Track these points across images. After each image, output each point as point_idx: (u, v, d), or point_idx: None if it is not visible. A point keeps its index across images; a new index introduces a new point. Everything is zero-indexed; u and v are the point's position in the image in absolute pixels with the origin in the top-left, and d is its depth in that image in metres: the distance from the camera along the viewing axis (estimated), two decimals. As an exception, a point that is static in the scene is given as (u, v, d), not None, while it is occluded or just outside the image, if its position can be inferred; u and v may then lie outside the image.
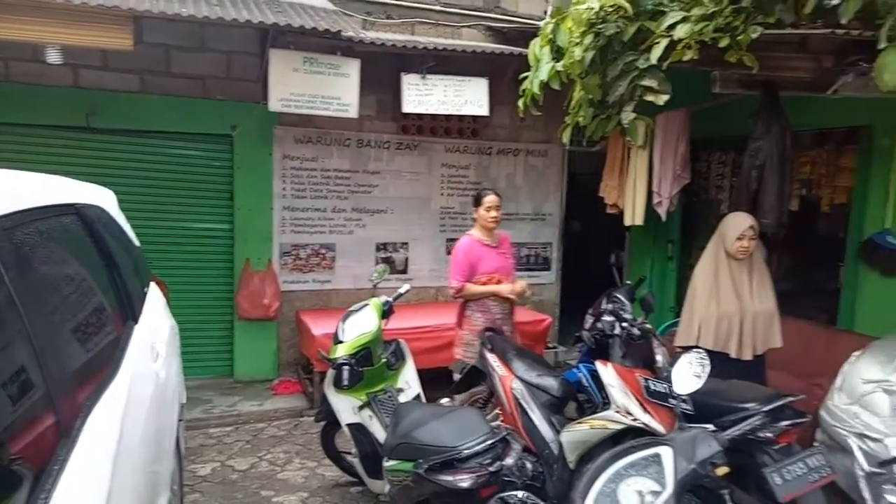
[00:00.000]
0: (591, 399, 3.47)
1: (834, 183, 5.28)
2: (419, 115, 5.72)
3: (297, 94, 4.89)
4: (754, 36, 2.71)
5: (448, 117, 5.87)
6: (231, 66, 5.32)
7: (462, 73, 5.38)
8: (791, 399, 2.92)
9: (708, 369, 2.54)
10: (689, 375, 2.54)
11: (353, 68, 4.97)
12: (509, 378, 3.60)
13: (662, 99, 3.17)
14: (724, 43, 2.93)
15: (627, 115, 3.32)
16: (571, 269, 6.93)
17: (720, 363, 3.54)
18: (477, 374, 4.01)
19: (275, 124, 5.43)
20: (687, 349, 3.53)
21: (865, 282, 4.73)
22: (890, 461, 2.41)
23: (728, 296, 3.67)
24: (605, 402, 3.11)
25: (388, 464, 2.89)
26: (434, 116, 5.79)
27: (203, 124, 5.26)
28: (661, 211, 5.38)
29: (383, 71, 5.43)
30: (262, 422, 4.91)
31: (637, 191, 5.47)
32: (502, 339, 3.98)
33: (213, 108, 5.24)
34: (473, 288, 4.09)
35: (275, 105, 4.86)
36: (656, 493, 1.85)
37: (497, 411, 3.77)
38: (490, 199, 4.12)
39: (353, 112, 5.05)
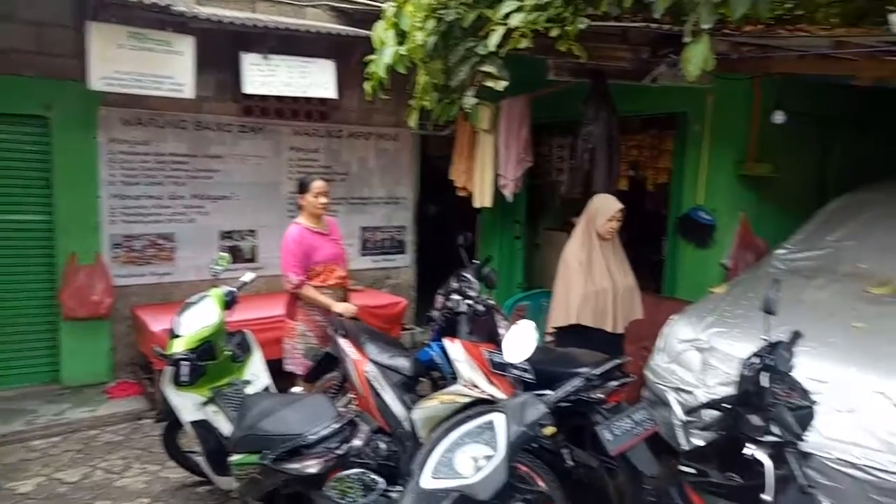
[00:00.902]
0: (445, 376, 3.57)
1: (657, 164, 5.81)
2: (263, 97, 5.49)
3: (123, 73, 4.48)
4: (581, 27, 2.88)
5: (295, 99, 5.69)
6: (43, 40, 4.76)
7: (307, 55, 5.23)
8: (619, 362, 3.18)
9: (536, 338, 2.70)
10: (519, 345, 2.68)
11: (186, 46, 4.65)
12: (362, 362, 3.60)
13: (501, 85, 3.28)
14: (555, 33, 3.09)
15: (469, 100, 3.41)
16: (428, 252, 7.05)
17: (597, 338, 3.81)
18: (331, 361, 3.97)
19: (98, 105, 4.95)
20: (562, 329, 3.75)
21: (683, 253, 5.26)
22: (697, 407, 2.71)
23: (602, 273, 3.88)
24: (455, 378, 3.21)
25: (234, 458, 2.78)
26: (280, 98, 5.59)
27: (10, 103, 4.68)
28: (507, 193, 5.62)
29: (222, 50, 5.13)
30: (95, 428, 4.50)
31: (484, 173, 5.67)
32: (355, 324, 3.96)
33: (21, 86, 4.67)
34: (311, 293, 4.00)
35: (96, 84, 4.42)
36: (490, 458, 1.94)
37: (351, 395, 3.76)
38: (318, 185, 4.04)
39: (188, 93, 4.72)
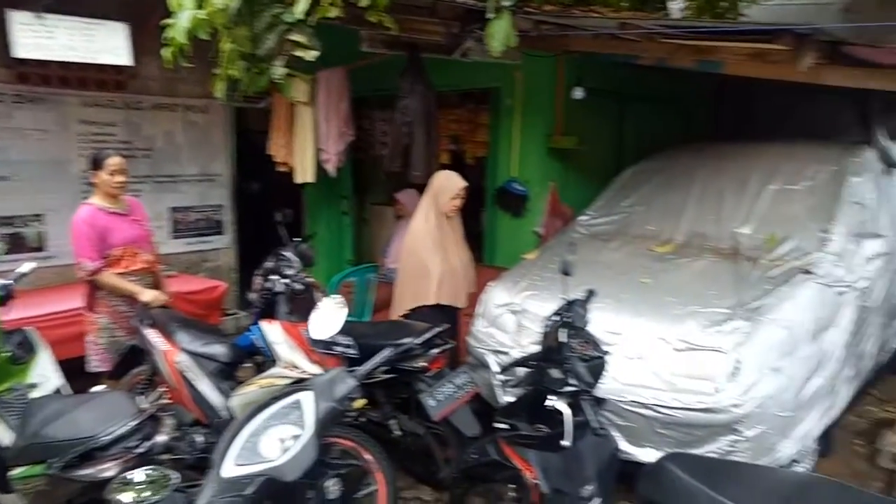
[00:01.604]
0: (266, 359, 3.44)
1: (475, 138, 6.01)
2: (43, 63, 4.81)
3: None
4: (390, -3, 2.85)
5: (83, 66, 5.05)
6: None
7: (93, 15, 4.66)
8: (439, 330, 3.27)
9: (345, 313, 2.69)
10: (326, 322, 2.66)
11: (-66, -2, 3.94)
12: (173, 352, 3.35)
13: (311, 55, 3.16)
14: (364, 2, 3.03)
15: (278, 70, 3.25)
16: (252, 232, 6.70)
17: (450, 314, 3.83)
18: (138, 354, 3.65)
19: None
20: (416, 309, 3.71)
21: (501, 223, 5.53)
22: (508, 366, 2.86)
23: (452, 251, 3.87)
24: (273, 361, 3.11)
25: (15, 471, 2.45)
26: (64, 64, 4.93)
27: None
28: (330, 167, 5.50)
29: (-15, 6, 4.41)
30: None
31: (305, 148, 5.49)
32: (164, 312, 3.67)
33: None
34: (111, 279, 3.64)
35: None
36: (297, 437, 1.90)
37: (163, 389, 3.50)
38: (114, 161, 3.65)
39: (-60, 54, 4.02)
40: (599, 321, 3.36)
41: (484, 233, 5.76)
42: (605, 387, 3.17)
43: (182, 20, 3.08)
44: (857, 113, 4.74)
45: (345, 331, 2.98)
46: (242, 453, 1.83)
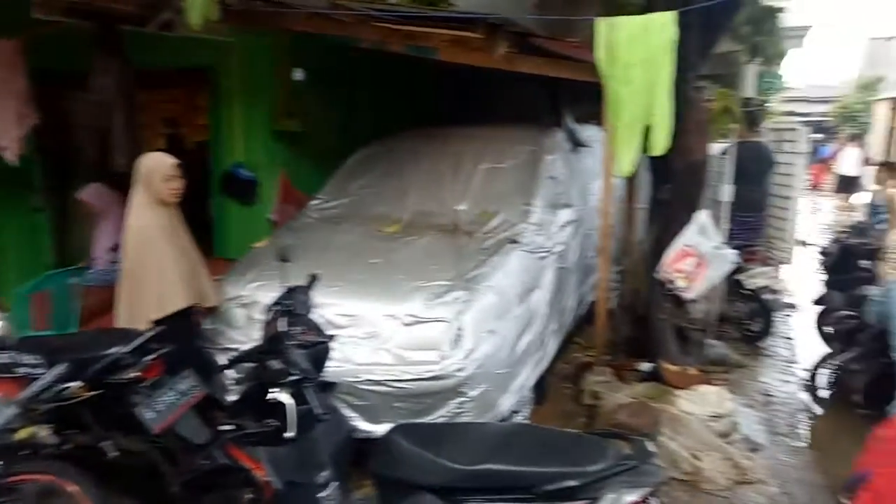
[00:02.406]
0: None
1: (194, 121, 5.56)
2: None
3: None
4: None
5: None
6: None
7: None
8: (151, 334, 2.94)
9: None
10: None
11: None
12: None
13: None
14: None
15: None
16: None
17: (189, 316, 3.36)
18: None
19: None
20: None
21: (231, 212, 5.21)
22: (229, 364, 2.69)
23: (184, 244, 3.38)
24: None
25: None
26: None
27: None
28: (9, 156, 4.60)
29: None
30: None
31: (-26, 134, 4.52)
32: None
33: None
34: None
35: None
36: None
37: None
38: None
39: None
40: (333, 305, 3.35)
41: (213, 223, 5.38)
42: (341, 369, 3.18)
43: None
44: (549, 99, 5.37)
45: (32, 347, 2.52)
46: None
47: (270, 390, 2.18)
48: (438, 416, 3.20)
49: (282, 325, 2.33)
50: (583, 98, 4.91)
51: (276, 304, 2.49)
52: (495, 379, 3.37)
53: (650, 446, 2.06)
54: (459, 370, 3.17)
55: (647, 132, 3.28)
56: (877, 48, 24.23)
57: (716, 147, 6.28)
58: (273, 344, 2.31)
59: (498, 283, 3.53)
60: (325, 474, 2.51)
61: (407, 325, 3.28)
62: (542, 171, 4.37)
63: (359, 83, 5.76)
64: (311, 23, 4.06)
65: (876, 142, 22.92)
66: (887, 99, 21.67)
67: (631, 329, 5.11)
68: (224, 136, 5.10)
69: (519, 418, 3.79)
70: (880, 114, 22.78)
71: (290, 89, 5.02)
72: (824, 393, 4.82)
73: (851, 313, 4.29)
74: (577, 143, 5.10)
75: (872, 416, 2.31)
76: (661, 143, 3.26)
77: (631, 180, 5.75)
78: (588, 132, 5.23)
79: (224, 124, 5.08)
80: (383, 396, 3.20)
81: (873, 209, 7.51)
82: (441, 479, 2.05)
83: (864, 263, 5.42)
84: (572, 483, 1.88)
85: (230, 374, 3.30)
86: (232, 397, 2.59)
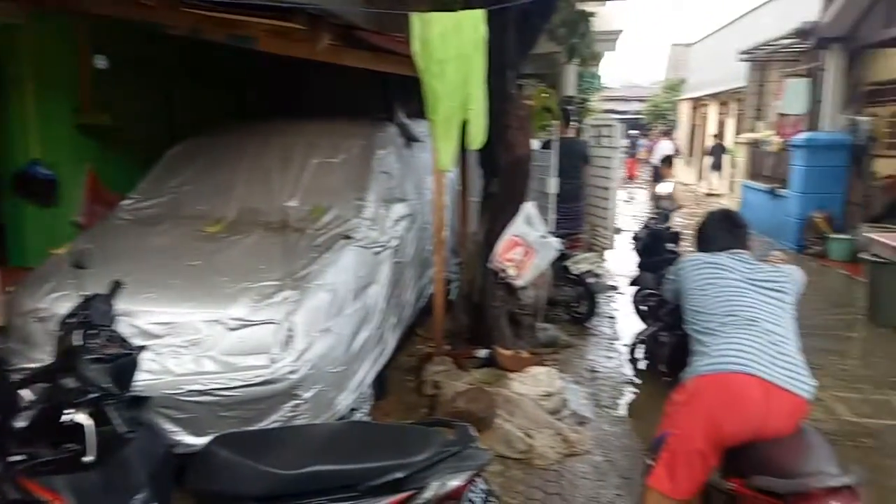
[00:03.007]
0: None
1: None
2: None
3: None
4: None
5: None
6: None
7: None
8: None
9: None
10: None
11: None
12: None
13: None
14: None
15: None
16: None
17: None
18: None
19: None
20: None
21: (28, 215, 4.62)
22: (20, 383, 2.37)
23: None
24: None
25: None
26: None
27: None
28: None
29: None
30: None
31: None
32: None
33: None
34: None
35: None
36: None
37: None
38: None
39: None
40: (146, 313, 3.09)
41: (5, 228, 4.74)
42: (159, 382, 2.94)
43: None
44: (382, 93, 5.37)
45: None
46: None
47: (65, 411, 1.94)
48: (272, 422, 3.07)
49: (77, 338, 2.08)
50: (415, 93, 4.96)
51: (70, 315, 2.23)
52: (331, 378, 3.30)
53: (472, 431, 2.11)
54: (292, 372, 3.06)
55: (466, 127, 3.37)
56: (678, 53, 27.14)
57: (538, 142, 6.67)
58: (67, 360, 2.06)
59: (330, 281, 3.45)
60: (140, 496, 2.29)
61: (232, 329, 3.10)
62: (374, 165, 4.35)
63: (178, 74, 5.36)
64: (112, 6, 3.70)
65: (681, 137, 25.75)
66: (688, 99, 24.45)
67: (469, 318, 5.27)
68: (16, 131, 4.50)
69: (359, 416, 3.75)
70: (683, 112, 25.65)
71: (99, 79, 4.55)
72: (642, 365, 5.30)
73: (655, 291, 4.75)
74: (410, 138, 5.15)
75: (673, 383, 2.55)
76: (478, 138, 3.37)
77: (464, 174, 5.94)
78: (421, 127, 5.30)
79: (15, 118, 4.48)
80: (209, 407, 3.01)
81: (659, 198, 8.45)
82: (264, 487, 1.96)
83: (669, 246, 6.03)
84: (398, 475, 1.88)
85: (26, 395, 2.93)
86: (23, 422, 2.27)
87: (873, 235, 6.90)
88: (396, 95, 5.27)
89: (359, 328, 3.65)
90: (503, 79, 4.41)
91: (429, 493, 1.89)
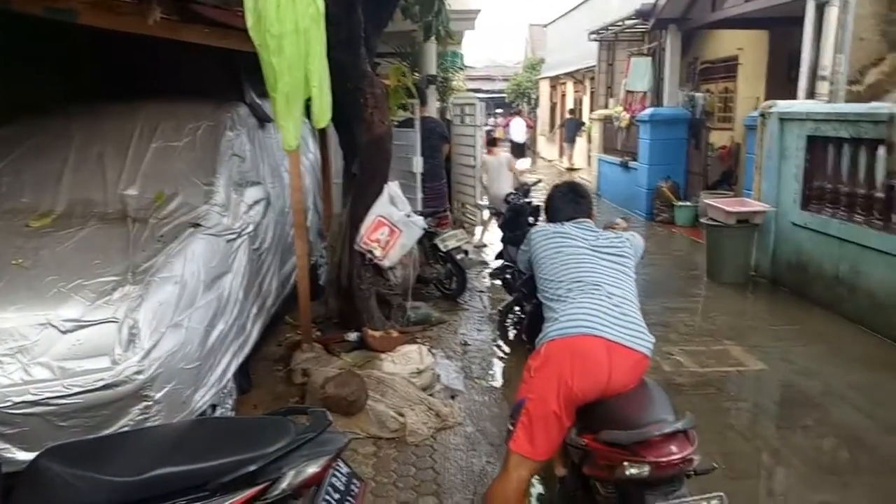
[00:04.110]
0: None
1: None
2: None
3: None
4: None
5: None
6: None
7: None
8: None
9: None
10: None
11: None
12: None
13: None
14: None
15: None
16: None
17: None
18: None
19: None
20: None
21: None
22: None
23: None
24: None
25: None
26: None
27: None
28: None
29: None
30: None
31: None
32: None
33: None
34: None
35: None
36: None
37: None
38: None
39: None
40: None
41: None
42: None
43: None
44: (230, 72, 5.07)
45: None
46: None
47: None
48: (121, 427, 2.83)
49: None
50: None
51: None
52: (185, 375, 3.10)
53: (328, 416, 2.07)
54: (138, 373, 2.82)
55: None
56: (535, 33, 28.19)
57: (398, 121, 6.65)
58: None
59: (178, 273, 3.22)
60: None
61: (66, 331, 2.82)
62: (224, 147, 4.11)
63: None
64: None
65: (543, 114, 26.85)
66: (547, 78, 25.50)
67: (339, 302, 5.19)
68: None
69: (221, 412, 3.58)
70: (543, 90, 26.73)
71: None
72: (510, 335, 5.50)
73: (513, 263, 4.93)
74: (262, 118, 4.92)
75: (533, 350, 2.65)
76: (324, 117, 3.27)
77: (325, 156, 5.79)
78: (275, 107, 5.07)
79: None
80: (43, 418, 2.72)
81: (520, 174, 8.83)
82: (105, 497, 1.80)
83: (530, 220, 6.28)
84: (250, 468, 1.80)
85: None
86: None
87: (709, 201, 7.58)
88: (247, 74, 5.01)
89: (215, 320, 3.46)
90: (357, 56, 4.32)
91: (285, 483, 1.83)
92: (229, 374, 3.62)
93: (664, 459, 2.08)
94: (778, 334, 5.60)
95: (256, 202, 4.21)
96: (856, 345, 5.29)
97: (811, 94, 7.23)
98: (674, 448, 2.11)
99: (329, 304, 5.33)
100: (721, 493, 2.10)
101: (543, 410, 2.40)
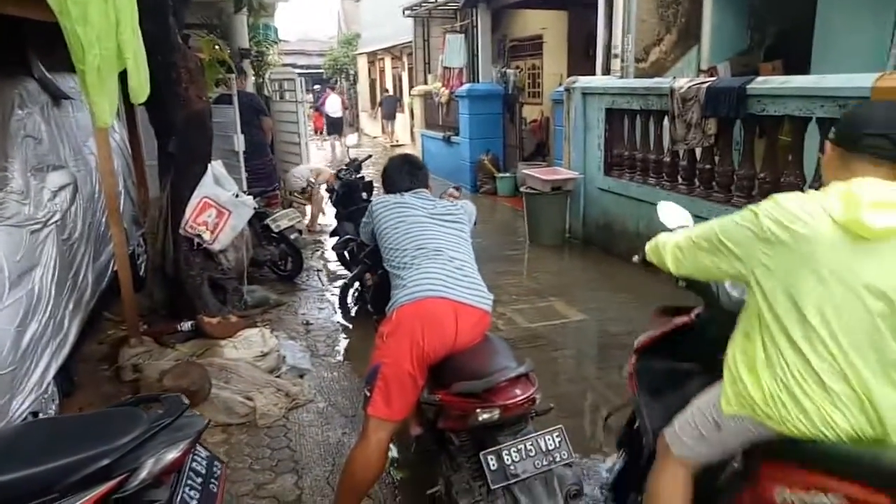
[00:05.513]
0: None
1: None
2: None
3: None
4: None
5: None
6: None
7: None
8: None
9: None
10: None
11: None
12: None
13: None
14: None
15: None
16: None
17: None
18: None
19: None
20: None
21: None
22: None
23: None
24: None
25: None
26: None
27: None
28: None
29: None
30: None
31: None
32: None
33: None
34: None
35: None
36: None
37: None
38: None
39: None
40: None
41: None
42: None
43: None
44: (14, 44, 4.46)
45: None
46: None
47: None
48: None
49: None
50: (60, 42, 4.23)
51: None
52: (-3, 383, 2.77)
53: (184, 399, 1.99)
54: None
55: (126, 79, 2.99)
56: (349, 8, 27.77)
57: (213, 97, 6.30)
58: None
59: (-25, 270, 2.84)
60: None
61: None
62: (14, 128, 3.62)
63: None
64: None
65: (363, 90, 26.72)
66: (364, 53, 25.39)
67: (166, 291, 4.87)
68: None
69: (43, 416, 3.24)
70: (362, 67, 26.59)
71: None
72: (352, 310, 5.54)
73: (354, 238, 4.97)
74: (56, 95, 4.41)
75: (381, 320, 2.72)
76: (142, 92, 3.03)
77: (133, 136, 5.34)
78: (72, 82, 4.58)
79: None
80: None
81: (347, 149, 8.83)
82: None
83: (363, 195, 6.32)
84: (104, 462, 1.69)
85: None
86: None
87: (527, 171, 8.16)
88: (35, 45, 4.44)
89: (26, 320, 3.11)
90: (166, 27, 4.03)
91: (144, 472, 1.74)
92: (49, 377, 3.28)
93: (511, 401, 2.28)
94: (593, 287, 6.25)
95: (62, 188, 3.79)
96: (656, 291, 6.07)
97: (607, 70, 8.03)
98: (518, 391, 2.31)
99: (154, 294, 4.98)
100: (560, 426, 2.36)
101: (398, 372, 2.50)
